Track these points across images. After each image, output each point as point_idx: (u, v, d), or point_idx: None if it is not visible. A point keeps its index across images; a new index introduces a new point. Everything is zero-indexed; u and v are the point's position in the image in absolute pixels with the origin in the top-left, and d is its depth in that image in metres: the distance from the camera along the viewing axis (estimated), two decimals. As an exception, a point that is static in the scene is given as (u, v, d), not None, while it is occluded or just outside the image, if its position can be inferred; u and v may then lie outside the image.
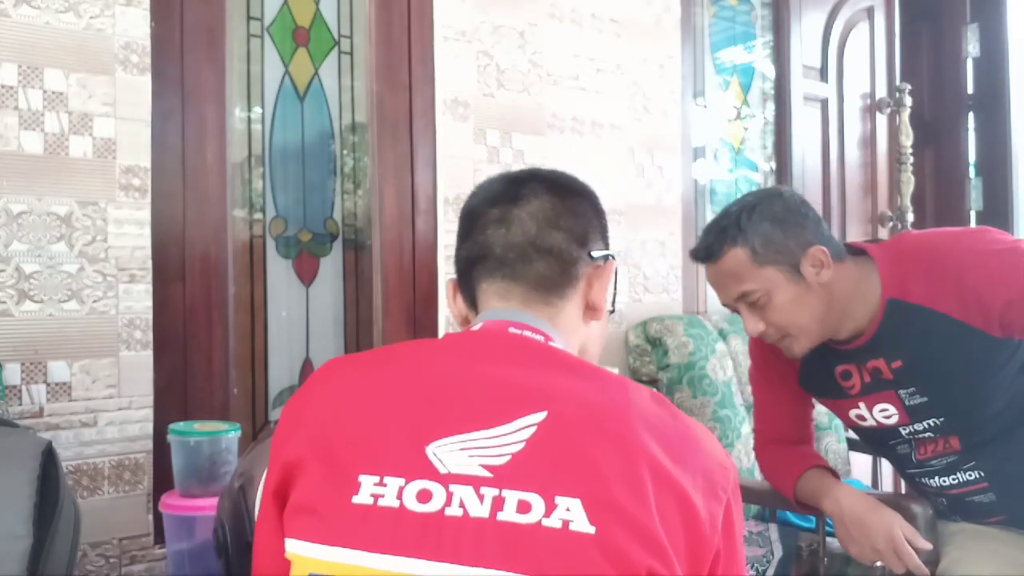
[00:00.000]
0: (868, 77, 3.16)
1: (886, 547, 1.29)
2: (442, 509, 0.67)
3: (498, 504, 0.67)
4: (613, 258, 0.91)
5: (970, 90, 3.34)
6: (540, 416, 0.71)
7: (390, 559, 0.66)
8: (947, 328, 1.25)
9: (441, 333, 1.91)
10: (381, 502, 0.68)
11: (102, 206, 1.48)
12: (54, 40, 1.44)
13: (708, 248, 1.34)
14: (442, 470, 0.69)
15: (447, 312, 1.92)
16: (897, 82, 3.19)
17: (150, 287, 1.53)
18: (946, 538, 1.39)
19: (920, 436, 1.38)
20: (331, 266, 1.88)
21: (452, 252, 2.00)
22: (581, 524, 0.66)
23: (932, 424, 1.35)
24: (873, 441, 1.50)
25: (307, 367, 1.85)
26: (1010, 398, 1.30)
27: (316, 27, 1.87)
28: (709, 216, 2.65)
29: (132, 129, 1.52)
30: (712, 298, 2.60)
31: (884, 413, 1.38)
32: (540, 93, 2.08)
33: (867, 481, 2.33)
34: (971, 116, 3.34)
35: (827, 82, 3.02)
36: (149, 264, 1.53)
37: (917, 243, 1.33)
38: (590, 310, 0.88)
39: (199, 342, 1.62)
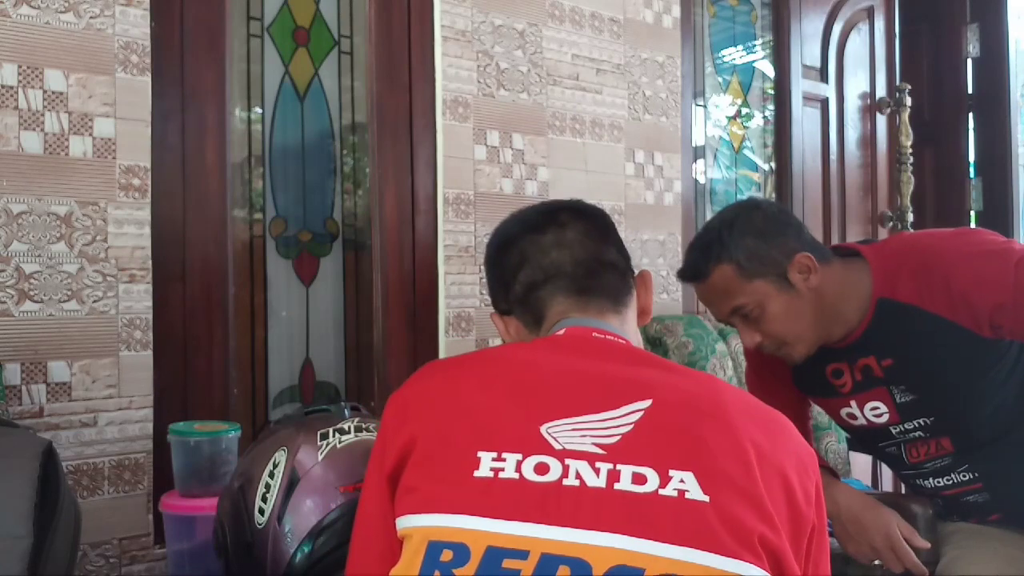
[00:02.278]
0: (868, 77, 3.16)
1: (883, 545, 1.29)
2: (560, 479, 0.70)
3: (614, 476, 0.71)
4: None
5: (970, 90, 3.34)
6: (646, 403, 0.76)
7: (513, 524, 0.69)
8: (936, 327, 1.25)
9: (441, 332, 1.91)
10: (502, 475, 0.71)
11: (102, 206, 1.48)
12: (54, 40, 1.44)
13: (695, 268, 1.35)
14: (557, 447, 0.73)
15: (447, 312, 1.92)
16: (897, 82, 3.19)
17: (150, 287, 1.53)
18: (945, 538, 1.39)
19: (910, 436, 1.38)
20: (331, 266, 1.88)
21: (452, 252, 2.00)
22: (696, 494, 0.70)
23: (922, 423, 1.35)
24: (865, 441, 1.51)
25: (307, 367, 1.85)
26: (1000, 401, 1.30)
27: (316, 27, 1.87)
28: (709, 216, 2.65)
29: (132, 129, 1.52)
30: (712, 298, 2.60)
31: (875, 412, 1.38)
32: (540, 93, 2.08)
33: (867, 481, 2.33)
34: (971, 116, 3.34)
35: (827, 82, 3.02)
36: (149, 264, 1.53)
37: (908, 243, 1.34)
38: (643, 314, 0.99)
39: (199, 342, 1.62)
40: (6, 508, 0.93)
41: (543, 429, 0.74)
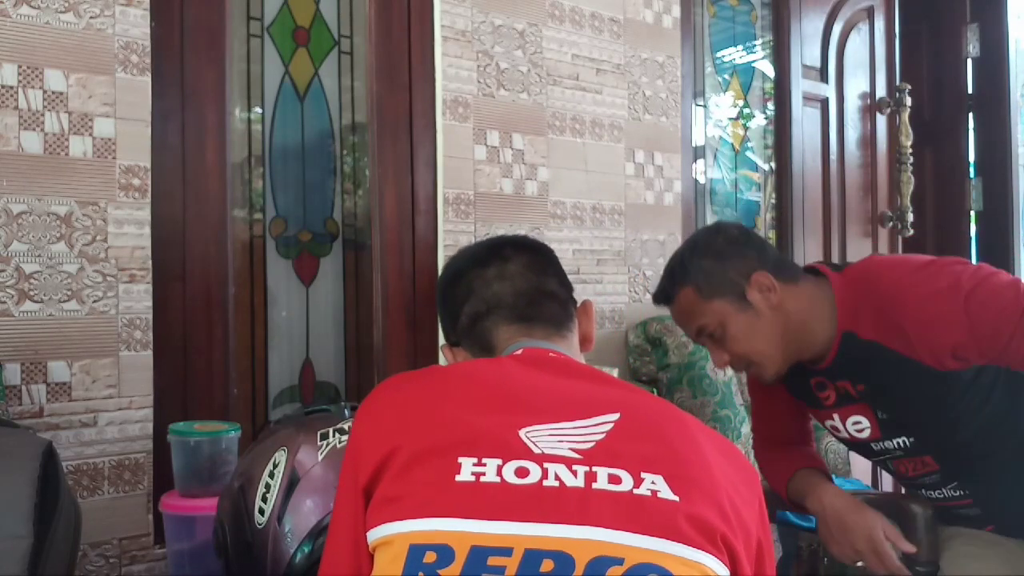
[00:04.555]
0: (868, 77, 3.15)
1: (865, 547, 1.29)
2: (540, 481, 0.73)
3: (591, 477, 0.73)
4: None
5: (970, 90, 3.34)
6: (615, 416, 0.79)
7: (497, 524, 0.70)
8: (897, 364, 1.25)
9: (441, 334, 1.91)
10: (483, 479, 0.73)
11: (102, 206, 1.48)
12: (54, 40, 1.44)
13: (662, 291, 1.42)
14: (536, 451, 0.75)
15: (447, 312, 1.92)
16: (897, 82, 3.19)
17: (150, 287, 1.53)
18: (945, 540, 1.39)
19: (892, 454, 1.38)
20: (331, 266, 1.88)
21: (452, 252, 2.00)
22: (667, 494, 0.74)
23: (903, 444, 1.35)
24: (855, 451, 1.51)
25: (307, 367, 1.85)
26: (978, 427, 1.29)
27: (316, 27, 1.87)
28: (709, 216, 2.65)
29: (132, 129, 1.52)
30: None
31: (857, 426, 1.39)
32: (540, 93, 2.08)
33: (867, 481, 2.33)
34: (971, 116, 3.34)
35: (827, 82, 3.02)
36: (149, 264, 1.53)
37: (867, 279, 1.31)
38: (585, 342, 1.03)
39: (199, 342, 1.62)
40: (6, 508, 0.93)
41: (522, 433, 0.76)
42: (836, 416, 1.40)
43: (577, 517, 0.70)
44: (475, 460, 0.74)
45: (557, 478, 0.73)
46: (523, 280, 0.99)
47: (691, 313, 1.37)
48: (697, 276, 1.34)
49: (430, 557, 0.69)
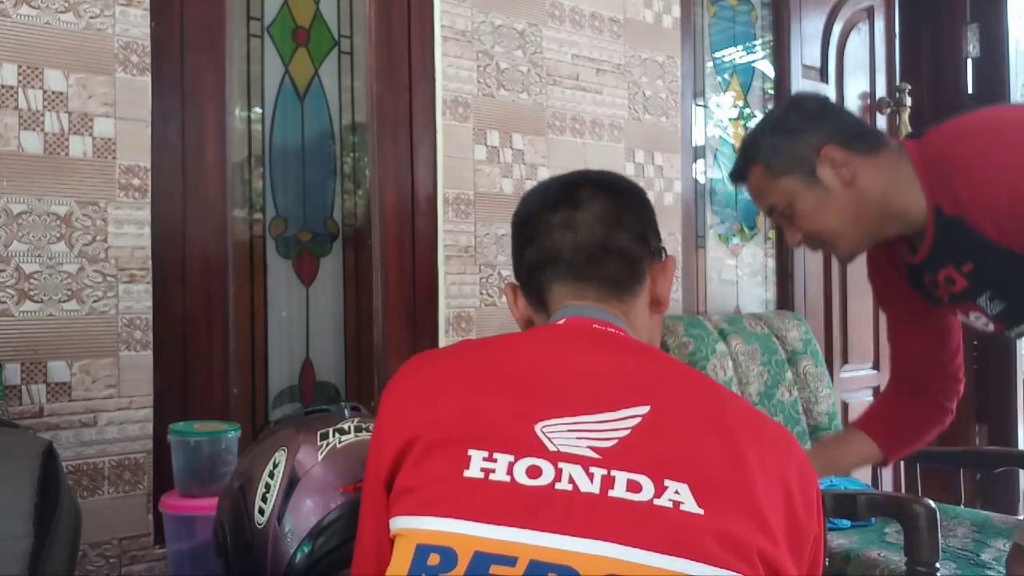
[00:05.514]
0: (868, 77, 3.16)
1: None
2: (552, 483, 0.68)
3: (608, 483, 0.68)
4: (668, 254, 0.95)
5: (970, 90, 3.34)
6: (644, 409, 0.73)
7: (502, 529, 0.67)
8: (983, 246, 1.17)
9: (441, 332, 1.91)
10: (492, 477, 0.69)
11: (102, 206, 1.48)
12: (54, 40, 1.44)
13: (736, 170, 1.38)
14: (551, 448, 0.70)
15: (447, 312, 1.92)
16: (897, 82, 3.19)
17: (150, 287, 1.53)
18: None
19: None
20: (331, 266, 1.88)
21: (452, 252, 2.00)
22: (691, 506, 0.68)
23: None
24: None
25: (307, 367, 1.85)
26: None
27: (316, 27, 1.87)
28: (709, 216, 2.65)
29: (132, 129, 1.52)
30: (712, 298, 2.60)
31: (979, 321, 1.31)
32: (540, 93, 2.08)
33: (867, 480, 2.33)
34: (971, 116, 3.34)
35: (827, 82, 3.02)
36: (149, 264, 1.53)
37: (943, 146, 1.22)
38: (656, 304, 0.92)
39: (199, 342, 1.62)
40: (6, 508, 0.93)
41: (538, 428, 0.71)
42: (959, 312, 1.32)
43: (588, 528, 0.66)
44: (486, 454, 0.70)
45: (571, 481, 0.68)
46: (588, 232, 0.88)
47: (762, 191, 1.32)
48: (767, 153, 1.30)
49: (434, 559, 0.67)
